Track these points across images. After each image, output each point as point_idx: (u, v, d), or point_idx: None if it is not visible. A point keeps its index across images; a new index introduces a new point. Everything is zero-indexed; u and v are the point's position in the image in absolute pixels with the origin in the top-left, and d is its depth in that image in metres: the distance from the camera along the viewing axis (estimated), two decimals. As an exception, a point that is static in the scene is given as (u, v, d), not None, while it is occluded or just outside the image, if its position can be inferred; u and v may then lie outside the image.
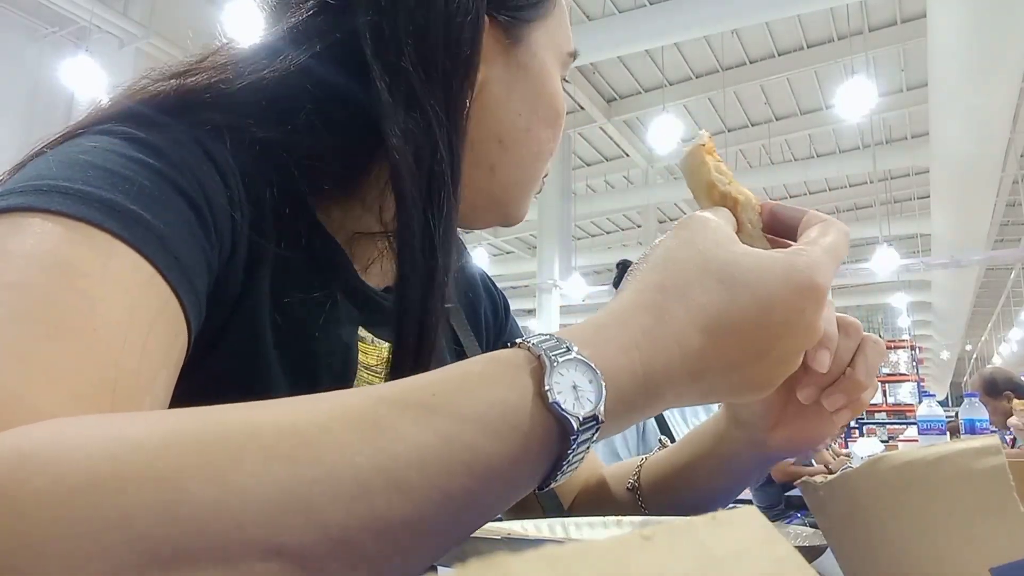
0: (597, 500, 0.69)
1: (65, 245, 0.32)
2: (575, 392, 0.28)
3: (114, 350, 0.30)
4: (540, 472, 0.29)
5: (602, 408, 0.29)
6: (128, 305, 0.32)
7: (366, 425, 0.26)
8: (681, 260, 0.35)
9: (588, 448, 0.30)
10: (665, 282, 0.34)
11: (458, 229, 0.50)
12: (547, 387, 0.28)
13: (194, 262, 0.37)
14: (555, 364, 0.28)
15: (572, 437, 0.28)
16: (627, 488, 0.65)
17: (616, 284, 2.11)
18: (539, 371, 0.29)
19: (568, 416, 0.28)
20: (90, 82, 5.20)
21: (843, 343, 0.50)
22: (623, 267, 2.12)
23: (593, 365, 0.29)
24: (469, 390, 0.28)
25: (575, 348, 0.30)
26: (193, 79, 0.45)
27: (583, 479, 0.71)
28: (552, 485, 0.30)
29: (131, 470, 0.22)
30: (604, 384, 0.29)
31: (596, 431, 0.29)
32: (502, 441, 0.27)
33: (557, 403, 0.28)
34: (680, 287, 0.34)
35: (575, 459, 0.29)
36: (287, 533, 0.23)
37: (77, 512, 0.21)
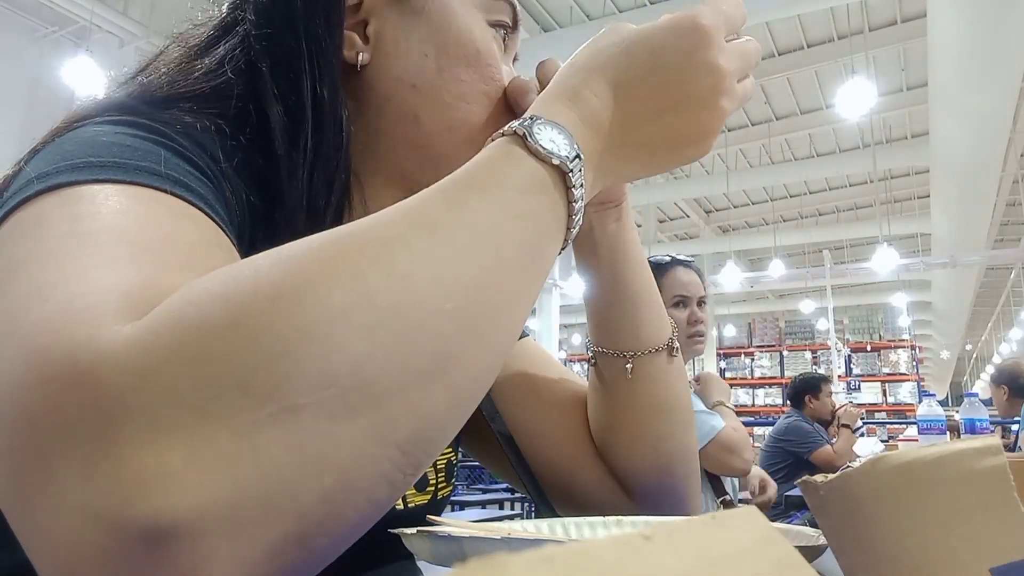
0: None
1: (130, 200, 0.33)
2: (553, 144, 0.36)
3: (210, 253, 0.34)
4: (561, 212, 0.36)
5: (576, 146, 0.37)
6: (210, 235, 0.35)
7: (425, 222, 0.31)
8: (589, 47, 0.43)
9: (583, 188, 0.37)
10: (577, 62, 0.42)
11: None
12: (534, 146, 0.36)
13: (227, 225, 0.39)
14: (531, 131, 0.36)
15: (568, 173, 0.36)
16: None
17: None
18: (522, 140, 0.36)
19: (553, 156, 0.36)
20: (90, 82, 5.20)
21: None
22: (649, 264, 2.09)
23: (558, 121, 0.37)
24: (485, 175, 0.35)
25: (539, 119, 0.37)
26: (152, 78, 0.47)
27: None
28: (575, 220, 0.37)
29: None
30: (570, 132, 0.37)
31: (581, 166, 0.37)
32: (525, 194, 0.34)
33: (549, 151, 0.36)
34: (588, 60, 0.41)
35: (579, 195, 0.37)
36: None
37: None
